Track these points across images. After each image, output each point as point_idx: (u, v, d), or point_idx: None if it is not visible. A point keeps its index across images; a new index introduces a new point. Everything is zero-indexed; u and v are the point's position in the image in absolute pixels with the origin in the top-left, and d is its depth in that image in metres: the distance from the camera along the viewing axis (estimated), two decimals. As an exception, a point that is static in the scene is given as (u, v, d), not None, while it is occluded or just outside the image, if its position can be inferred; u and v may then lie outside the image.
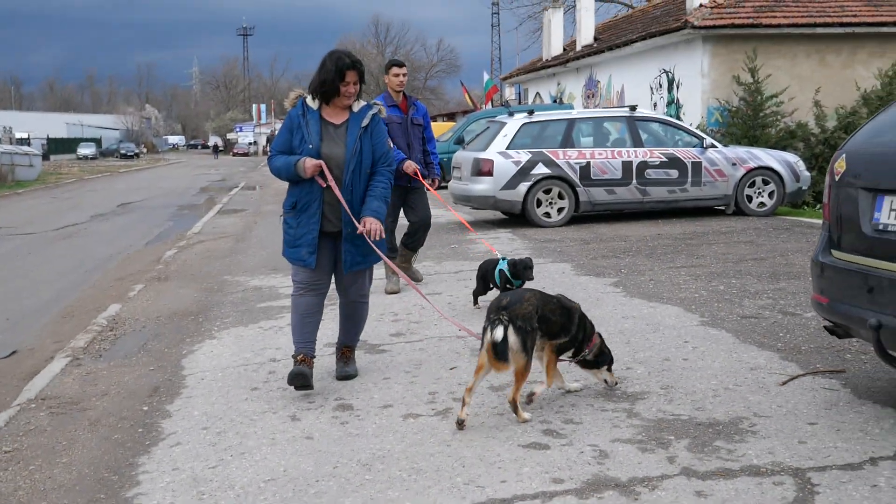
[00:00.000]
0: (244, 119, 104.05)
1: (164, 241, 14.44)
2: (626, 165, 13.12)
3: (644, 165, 13.15)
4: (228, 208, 20.44)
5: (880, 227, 4.04)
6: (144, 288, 9.26)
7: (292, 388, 5.05)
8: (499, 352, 4.23)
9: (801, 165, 13.91)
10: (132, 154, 79.27)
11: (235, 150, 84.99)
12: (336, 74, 4.96)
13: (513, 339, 4.27)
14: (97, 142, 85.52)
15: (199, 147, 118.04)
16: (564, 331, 4.61)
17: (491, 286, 7.38)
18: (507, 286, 7.05)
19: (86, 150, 77.02)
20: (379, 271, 7.85)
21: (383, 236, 5.12)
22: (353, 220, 5.03)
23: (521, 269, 7.12)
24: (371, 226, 5.00)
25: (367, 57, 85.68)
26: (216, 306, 8.01)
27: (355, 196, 5.09)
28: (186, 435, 4.50)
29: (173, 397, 5.22)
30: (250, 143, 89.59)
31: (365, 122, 5.14)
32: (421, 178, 8.23)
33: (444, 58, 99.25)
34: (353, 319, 5.44)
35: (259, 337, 6.66)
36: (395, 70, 8.20)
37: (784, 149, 17.63)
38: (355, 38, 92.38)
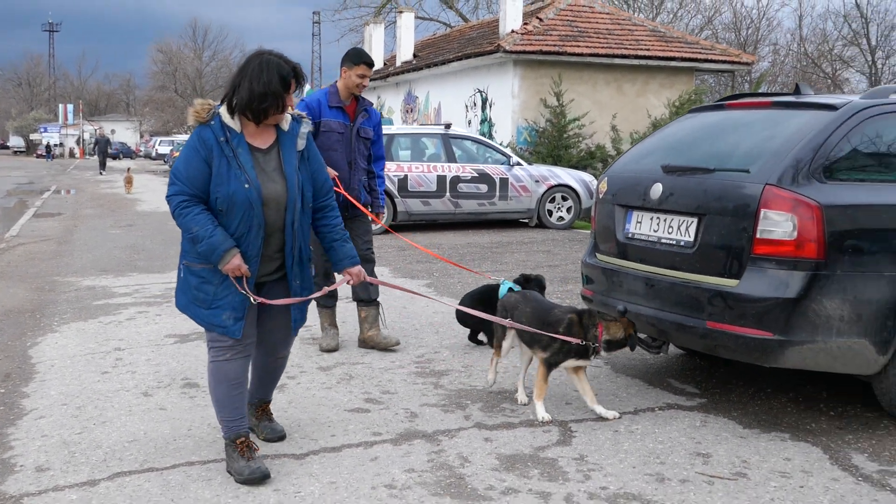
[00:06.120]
0: (49, 119, 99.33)
1: (-20, 244, 14.28)
2: (441, 179, 14.26)
3: (457, 180, 14.32)
4: (43, 211, 20.12)
5: (629, 234, 5.18)
6: (-27, 287, 9.44)
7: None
8: None
9: (595, 184, 15.46)
10: (-79, 153, 73.35)
11: (39, 152, 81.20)
12: (282, 86, 3.83)
13: None
14: None
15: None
16: None
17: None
18: None
19: None
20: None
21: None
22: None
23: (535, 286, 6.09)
24: (359, 273, 4.29)
25: (183, 60, 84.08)
26: (51, 304, 8.38)
27: (297, 240, 4.02)
28: (48, 410, 5.05)
29: (27, 381, 5.70)
30: (56, 145, 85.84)
31: (301, 144, 4.03)
32: (360, 206, 6.28)
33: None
34: (276, 375, 4.50)
35: (101, 329, 7.16)
36: (362, 69, 6.12)
37: (584, 168, 19.40)
38: (172, 40, 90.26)
